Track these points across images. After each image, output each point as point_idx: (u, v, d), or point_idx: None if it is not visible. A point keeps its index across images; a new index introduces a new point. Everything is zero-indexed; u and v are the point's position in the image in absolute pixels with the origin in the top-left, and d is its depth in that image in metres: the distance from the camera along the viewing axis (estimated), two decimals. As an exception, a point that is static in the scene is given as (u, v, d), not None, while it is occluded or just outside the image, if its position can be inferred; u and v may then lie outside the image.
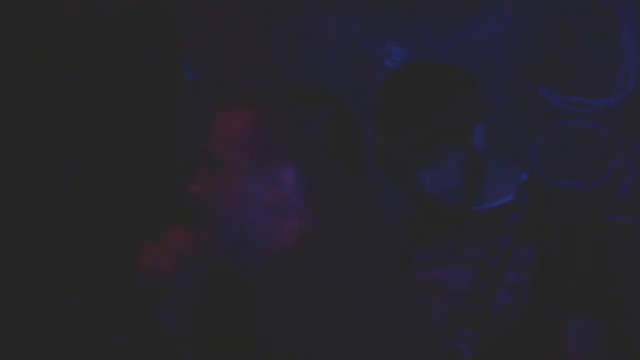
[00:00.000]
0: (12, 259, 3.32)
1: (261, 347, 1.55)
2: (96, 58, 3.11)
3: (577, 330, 1.85)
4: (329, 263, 1.46)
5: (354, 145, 1.54)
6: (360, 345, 1.39)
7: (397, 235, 2.11)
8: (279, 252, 1.52)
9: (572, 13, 2.36)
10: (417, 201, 2.00)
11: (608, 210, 2.38)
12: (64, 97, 3.17)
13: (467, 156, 1.86)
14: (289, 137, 1.51)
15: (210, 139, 1.59)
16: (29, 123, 3.17)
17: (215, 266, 1.66)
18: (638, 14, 2.34)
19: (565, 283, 1.85)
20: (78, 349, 3.30)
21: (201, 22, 2.96)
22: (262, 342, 1.53)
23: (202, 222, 1.60)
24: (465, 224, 1.94)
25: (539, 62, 2.43)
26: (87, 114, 3.19)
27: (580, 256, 1.86)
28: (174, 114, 3.15)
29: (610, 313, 1.92)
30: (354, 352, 1.39)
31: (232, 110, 1.58)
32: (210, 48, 2.95)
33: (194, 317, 1.75)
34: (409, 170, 1.87)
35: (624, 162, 2.41)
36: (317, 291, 1.44)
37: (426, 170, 1.84)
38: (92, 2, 3.10)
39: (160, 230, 1.76)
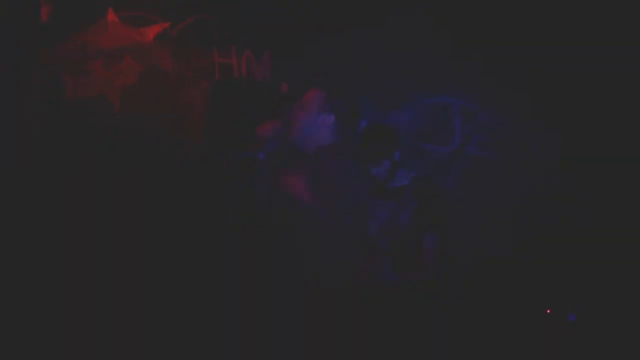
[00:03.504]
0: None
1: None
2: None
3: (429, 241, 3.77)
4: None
5: None
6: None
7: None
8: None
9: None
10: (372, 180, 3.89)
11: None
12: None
13: (391, 164, 3.82)
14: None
15: None
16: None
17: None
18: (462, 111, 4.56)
19: (424, 216, 3.76)
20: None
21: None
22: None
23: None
24: (389, 191, 3.87)
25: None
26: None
27: (428, 204, 3.80)
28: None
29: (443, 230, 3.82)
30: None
31: None
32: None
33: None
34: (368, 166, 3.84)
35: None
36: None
37: (375, 168, 3.78)
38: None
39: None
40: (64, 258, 4.10)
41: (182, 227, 4.23)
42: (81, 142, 4.37)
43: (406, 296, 3.64)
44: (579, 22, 4.36)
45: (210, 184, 4.32)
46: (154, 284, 4.09)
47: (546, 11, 4.41)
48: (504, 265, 4.32)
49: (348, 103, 3.90)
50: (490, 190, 4.50)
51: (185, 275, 4.07)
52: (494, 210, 4.45)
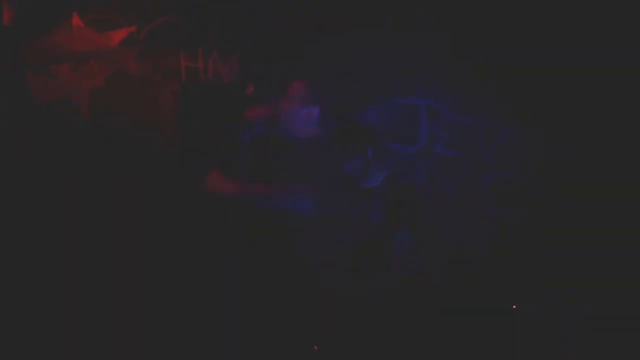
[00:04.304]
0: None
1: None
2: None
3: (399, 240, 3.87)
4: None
5: None
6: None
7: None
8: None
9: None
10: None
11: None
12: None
13: (364, 161, 3.96)
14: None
15: None
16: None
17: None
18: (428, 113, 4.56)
19: (395, 215, 3.82)
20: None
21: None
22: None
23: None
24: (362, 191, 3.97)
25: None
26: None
27: (401, 203, 3.91)
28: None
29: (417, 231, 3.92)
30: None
31: None
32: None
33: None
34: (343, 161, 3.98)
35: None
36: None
37: (348, 164, 3.94)
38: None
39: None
40: (41, 264, 4.07)
41: (156, 225, 4.22)
42: (49, 145, 4.34)
43: (374, 301, 3.66)
44: (548, 18, 4.47)
45: (183, 182, 4.32)
46: (136, 286, 4.07)
47: (515, 7, 4.51)
48: (476, 262, 4.36)
49: (332, 98, 3.97)
50: (457, 187, 4.57)
51: (165, 271, 4.06)
52: (462, 207, 4.51)
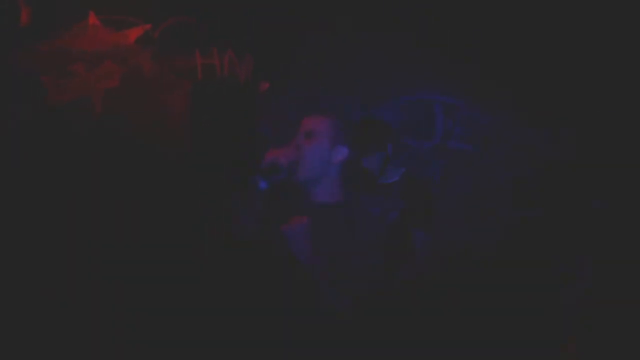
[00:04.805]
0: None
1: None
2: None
3: (416, 239, 3.76)
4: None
5: None
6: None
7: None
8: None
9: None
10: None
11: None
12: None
13: (384, 157, 3.86)
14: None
15: None
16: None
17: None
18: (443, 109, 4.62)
19: (412, 213, 3.74)
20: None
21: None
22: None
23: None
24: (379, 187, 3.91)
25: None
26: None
27: (418, 202, 3.84)
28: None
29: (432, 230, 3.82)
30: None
31: None
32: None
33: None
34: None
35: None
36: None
37: (367, 160, 3.86)
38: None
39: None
40: (47, 264, 4.07)
41: (163, 230, 4.21)
42: (63, 145, 4.35)
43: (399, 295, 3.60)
44: (561, 16, 4.43)
45: (194, 188, 4.31)
46: (142, 285, 4.07)
47: (529, 5, 4.47)
48: (491, 259, 4.33)
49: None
50: (473, 183, 4.54)
51: (172, 271, 4.06)
52: (477, 203, 4.49)
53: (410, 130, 4.64)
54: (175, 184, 4.38)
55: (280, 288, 3.03)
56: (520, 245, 4.36)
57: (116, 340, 3.85)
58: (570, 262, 4.19)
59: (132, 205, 4.27)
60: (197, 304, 3.76)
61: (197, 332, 3.71)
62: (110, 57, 4.63)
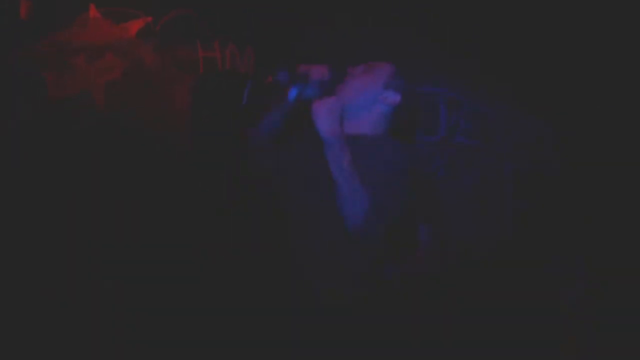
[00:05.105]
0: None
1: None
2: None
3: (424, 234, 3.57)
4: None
5: None
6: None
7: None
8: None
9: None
10: None
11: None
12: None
13: None
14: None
15: None
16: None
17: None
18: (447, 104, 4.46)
19: (420, 208, 3.43)
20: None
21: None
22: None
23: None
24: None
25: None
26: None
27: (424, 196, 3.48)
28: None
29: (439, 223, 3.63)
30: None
31: None
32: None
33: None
34: None
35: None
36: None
37: None
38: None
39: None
40: (48, 259, 4.06)
41: (168, 222, 4.20)
42: (65, 139, 4.33)
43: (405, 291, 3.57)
44: (564, 11, 4.40)
45: (198, 177, 4.29)
46: (141, 283, 4.07)
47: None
48: (492, 256, 4.31)
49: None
50: (477, 178, 4.51)
51: (174, 267, 4.05)
52: (480, 199, 4.46)
53: (417, 123, 4.61)
54: (177, 179, 4.36)
55: (280, 288, 3.04)
56: (520, 246, 4.34)
57: (116, 340, 3.84)
58: (570, 262, 4.17)
59: (134, 200, 4.26)
60: (197, 304, 3.75)
61: (197, 332, 3.71)
62: (111, 50, 4.60)
